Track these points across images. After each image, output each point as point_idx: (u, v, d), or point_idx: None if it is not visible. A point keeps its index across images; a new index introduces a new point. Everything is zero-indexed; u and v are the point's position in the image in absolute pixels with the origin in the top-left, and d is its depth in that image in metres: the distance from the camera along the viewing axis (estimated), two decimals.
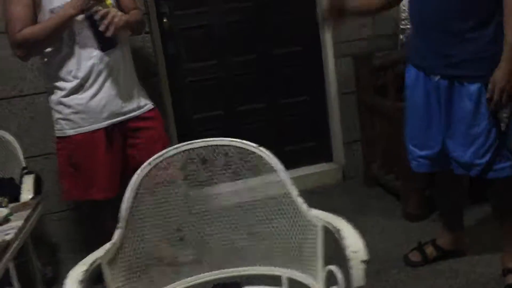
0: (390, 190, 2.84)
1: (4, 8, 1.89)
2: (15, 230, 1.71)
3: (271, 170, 1.45)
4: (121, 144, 2.05)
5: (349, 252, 1.18)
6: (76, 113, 1.96)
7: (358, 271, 1.14)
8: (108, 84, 1.97)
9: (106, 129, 1.99)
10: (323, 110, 3.19)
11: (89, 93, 1.95)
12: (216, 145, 1.49)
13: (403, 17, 2.85)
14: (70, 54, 1.92)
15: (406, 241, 2.34)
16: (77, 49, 1.92)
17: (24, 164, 2.20)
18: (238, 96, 3.08)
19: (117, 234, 1.39)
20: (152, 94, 2.74)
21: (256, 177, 1.48)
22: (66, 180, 2.06)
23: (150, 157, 1.46)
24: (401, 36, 2.89)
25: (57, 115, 2.00)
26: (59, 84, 1.96)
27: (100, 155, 1.99)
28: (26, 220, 1.84)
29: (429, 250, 2.20)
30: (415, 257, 2.21)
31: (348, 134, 3.12)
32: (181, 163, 1.50)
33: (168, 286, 1.47)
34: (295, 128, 3.18)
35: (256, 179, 1.49)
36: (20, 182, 2.09)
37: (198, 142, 1.50)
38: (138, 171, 1.44)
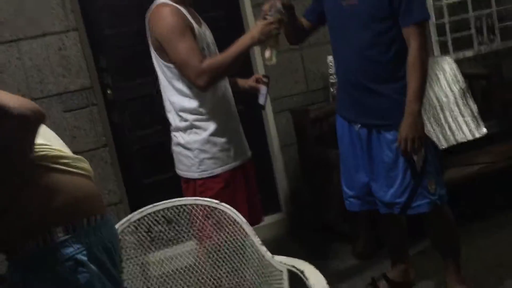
0: (339, 234, 2.99)
1: (174, 47, 1.86)
2: None
3: (234, 223, 1.56)
4: None
5: None
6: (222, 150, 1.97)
7: None
8: None
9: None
10: (268, 163, 3.34)
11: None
12: (180, 205, 1.58)
13: (330, 72, 3.12)
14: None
15: (361, 278, 2.49)
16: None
17: None
18: None
19: None
20: (99, 162, 2.83)
21: (220, 231, 1.58)
22: None
23: None
24: (331, 89, 3.15)
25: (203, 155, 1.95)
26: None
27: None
28: None
29: (382, 284, 2.35)
30: None
31: (293, 184, 3.28)
32: (147, 226, 1.58)
33: None
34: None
35: (220, 234, 1.59)
36: None
37: (162, 203, 1.58)
38: None
